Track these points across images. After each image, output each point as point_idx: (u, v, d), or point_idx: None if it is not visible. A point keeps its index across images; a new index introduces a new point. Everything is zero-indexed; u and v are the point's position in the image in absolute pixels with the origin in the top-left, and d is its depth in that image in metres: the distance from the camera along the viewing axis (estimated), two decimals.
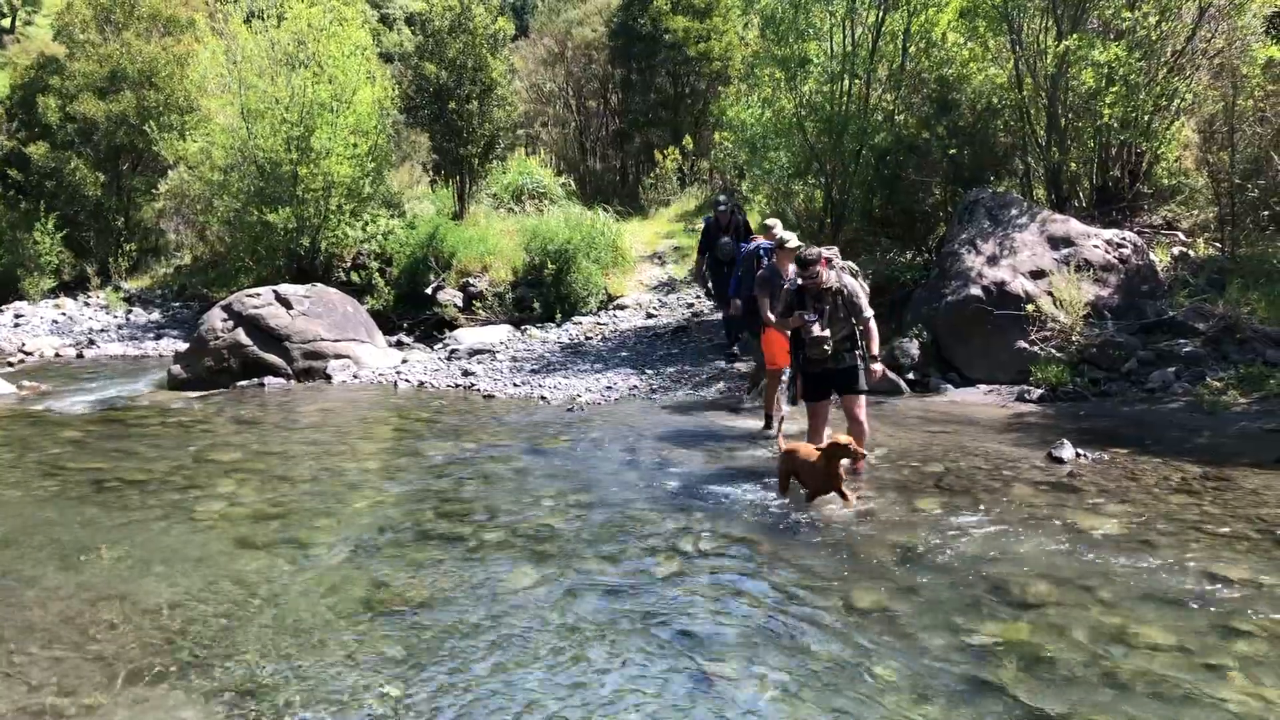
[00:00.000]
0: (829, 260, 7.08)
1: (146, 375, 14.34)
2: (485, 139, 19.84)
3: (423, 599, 5.21)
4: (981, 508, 6.50)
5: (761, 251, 9.59)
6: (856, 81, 13.90)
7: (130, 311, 21.16)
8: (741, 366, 12.01)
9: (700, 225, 13.47)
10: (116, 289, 22.61)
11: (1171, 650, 4.38)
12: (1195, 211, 13.35)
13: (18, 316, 20.83)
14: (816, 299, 6.95)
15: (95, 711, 4.09)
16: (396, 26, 31.20)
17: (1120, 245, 11.32)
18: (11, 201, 23.62)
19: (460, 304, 16.76)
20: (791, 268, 7.86)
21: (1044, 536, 5.91)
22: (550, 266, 16.32)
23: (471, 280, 16.97)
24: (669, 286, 17.27)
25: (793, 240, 8.88)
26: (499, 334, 15.37)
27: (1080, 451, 7.73)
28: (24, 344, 17.72)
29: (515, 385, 12.04)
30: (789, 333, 7.40)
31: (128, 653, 4.62)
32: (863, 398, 7.19)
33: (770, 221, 10.10)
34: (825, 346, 6.91)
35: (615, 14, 25.06)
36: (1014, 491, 6.90)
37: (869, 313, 7.05)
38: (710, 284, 13.49)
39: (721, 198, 12.92)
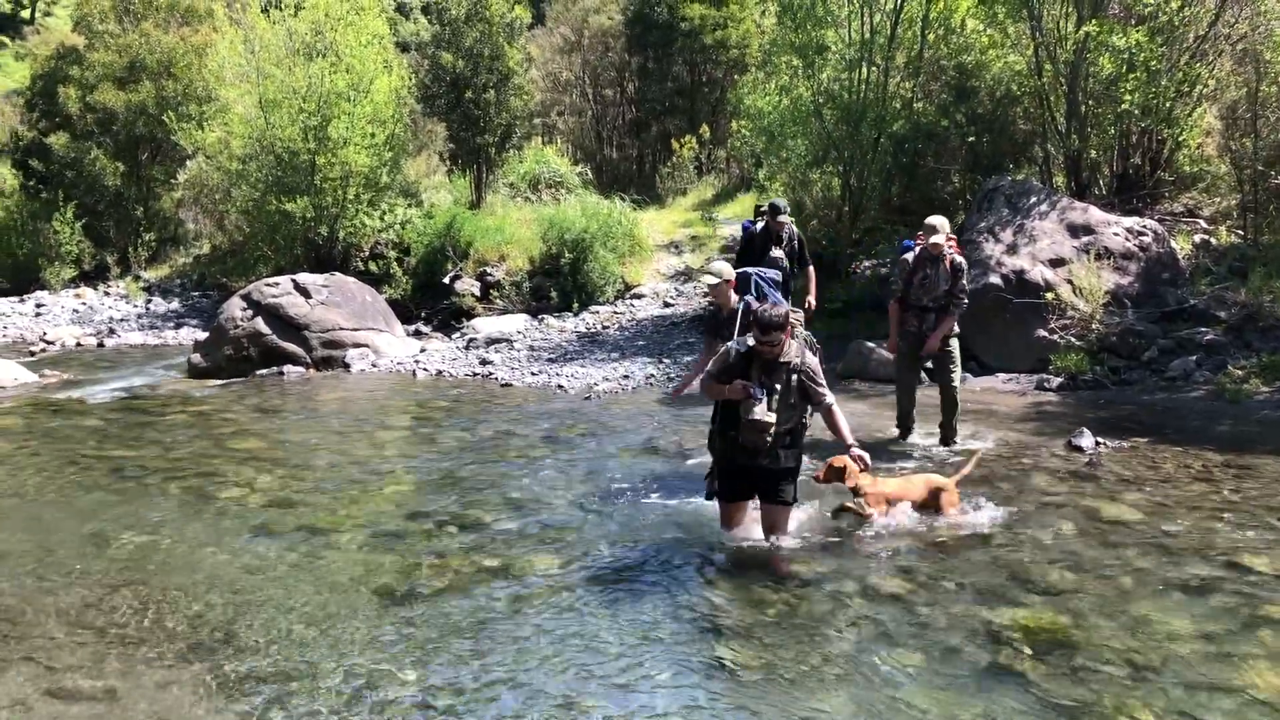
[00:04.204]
0: (793, 327, 5.70)
1: (166, 364, 14.43)
2: (502, 128, 19.85)
3: (441, 586, 5.23)
4: (1001, 496, 6.47)
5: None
6: (874, 69, 13.84)
7: (150, 301, 21.29)
8: None
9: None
10: (136, 278, 22.75)
11: (1193, 638, 4.35)
12: (1217, 199, 13.24)
13: (39, 306, 20.99)
14: (767, 371, 5.41)
15: (116, 694, 4.13)
16: (413, 15, 31.19)
17: (1141, 233, 11.24)
18: (32, 191, 23.79)
19: (478, 293, 16.79)
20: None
21: (1064, 524, 5.89)
22: (567, 256, 16.33)
23: (489, 269, 16.99)
24: (686, 275, 17.24)
25: (944, 227, 8.00)
26: (516, 323, 15.39)
27: (1100, 440, 7.69)
28: (46, 333, 17.86)
29: (533, 374, 12.06)
30: (717, 403, 5.79)
31: (149, 637, 4.66)
32: (789, 512, 5.69)
33: (933, 220, 8.12)
34: (766, 435, 5.37)
35: (631, 2, 25.00)
36: (1033, 480, 6.87)
37: (830, 398, 5.50)
38: None
39: (781, 203, 9.40)
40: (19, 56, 38.09)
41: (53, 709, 4.03)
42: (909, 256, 8.17)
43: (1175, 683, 3.98)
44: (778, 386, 5.38)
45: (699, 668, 4.25)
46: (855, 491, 5.85)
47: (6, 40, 41.40)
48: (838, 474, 5.71)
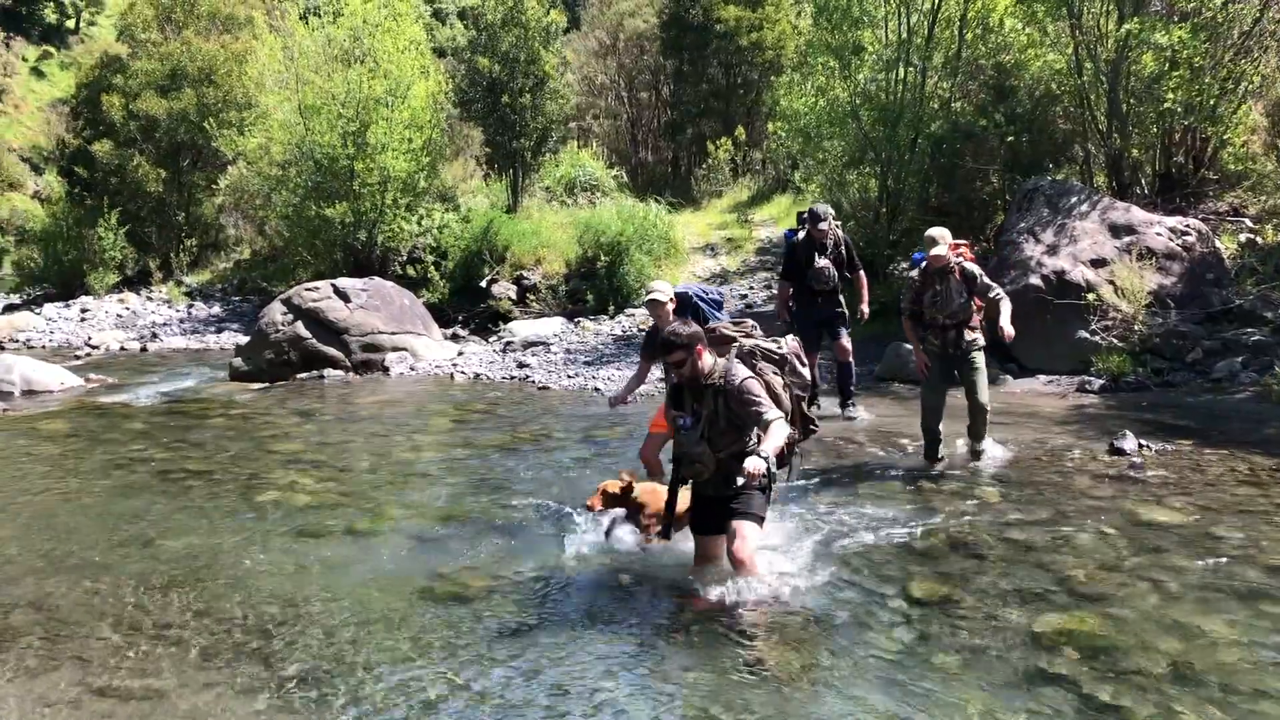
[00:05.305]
0: (728, 338, 5.26)
1: (208, 368, 14.62)
2: (538, 132, 19.93)
3: (481, 588, 5.26)
4: (1042, 499, 6.41)
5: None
6: (912, 69, 13.75)
7: (191, 305, 21.59)
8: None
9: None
10: (178, 283, 23.09)
11: (1237, 644, 4.29)
12: (1263, 197, 13.00)
13: (84, 311, 21.35)
14: (697, 396, 4.97)
15: (162, 695, 4.19)
16: (450, 21, 31.43)
17: (1184, 233, 11.08)
18: (77, 198, 24.22)
19: (514, 297, 16.89)
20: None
21: (1106, 528, 5.82)
22: (603, 259, 16.38)
23: (525, 273, 17.08)
24: (722, 278, 17.23)
25: (944, 238, 7.25)
26: (553, 326, 15.45)
27: (1143, 442, 7.58)
28: (90, 337, 18.17)
29: (569, 377, 12.10)
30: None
31: (194, 639, 4.73)
32: (747, 527, 4.92)
33: (932, 232, 7.38)
34: (699, 466, 4.99)
35: (667, 5, 25.03)
36: (1075, 483, 6.79)
37: (770, 414, 4.76)
38: (797, 325, 8.99)
39: (822, 209, 8.89)
40: (64, 66, 38.78)
41: (102, 707, 4.09)
42: (915, 274, 7.58)
43: (1218, 687, 3.93)
44: (704, 413, 4.92)
45: (737, 669, 4.24)
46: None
47: (53, 50, 42.18)
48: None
